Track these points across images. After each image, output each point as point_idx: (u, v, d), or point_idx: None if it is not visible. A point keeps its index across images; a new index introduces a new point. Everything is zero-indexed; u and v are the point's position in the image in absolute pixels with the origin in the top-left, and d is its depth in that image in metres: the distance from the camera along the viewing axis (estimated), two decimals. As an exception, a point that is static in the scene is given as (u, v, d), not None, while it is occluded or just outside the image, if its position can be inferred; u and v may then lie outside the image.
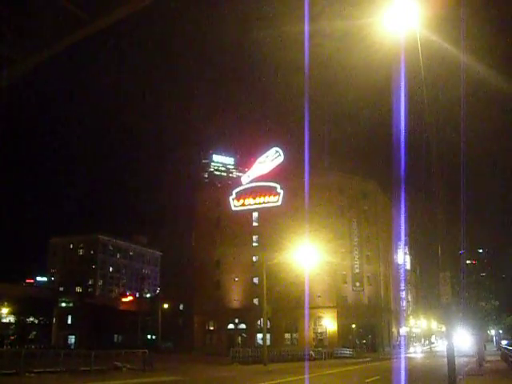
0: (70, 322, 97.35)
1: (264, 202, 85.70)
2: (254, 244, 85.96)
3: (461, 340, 79.01)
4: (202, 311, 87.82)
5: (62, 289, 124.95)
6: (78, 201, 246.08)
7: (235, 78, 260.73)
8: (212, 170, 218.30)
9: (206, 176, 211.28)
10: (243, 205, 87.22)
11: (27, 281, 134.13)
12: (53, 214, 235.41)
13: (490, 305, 38.52)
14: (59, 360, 29.77)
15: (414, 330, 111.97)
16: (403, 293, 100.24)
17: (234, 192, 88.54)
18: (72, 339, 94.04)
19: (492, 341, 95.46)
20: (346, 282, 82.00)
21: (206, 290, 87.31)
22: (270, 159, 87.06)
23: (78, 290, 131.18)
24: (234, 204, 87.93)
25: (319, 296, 78.74)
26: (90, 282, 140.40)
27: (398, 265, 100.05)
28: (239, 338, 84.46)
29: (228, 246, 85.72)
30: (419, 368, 42.10)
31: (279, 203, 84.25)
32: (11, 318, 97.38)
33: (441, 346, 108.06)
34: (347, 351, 69.73)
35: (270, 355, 47.30)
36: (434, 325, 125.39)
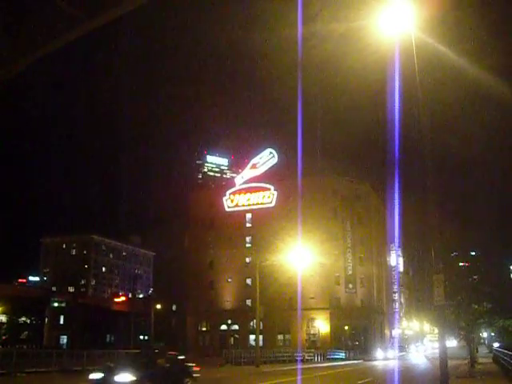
0: (62, 321, 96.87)
1: (258, 203, 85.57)
2: (248, 245, 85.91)
3: (453, 342, 79.07)
4: (194, 312, 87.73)
5: (54, 289, 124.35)
6: (71, 200, 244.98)
7: (229, 80, 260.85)
8: (206, 170, 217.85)
9: (200, 177, 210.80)
10: (237, 205, 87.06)
11: (19, 281, 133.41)
12: (46, 214, 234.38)
13: (482, 307, 38.50)
14: (51, 360, 29.64)
15: (406, 331, 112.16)
16: (396, 295, 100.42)
17: (228, 193, 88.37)
18: (64, 339, 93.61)
19: (484, 343, 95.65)
20: (338, 284, 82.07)
21: (199, 291, 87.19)
22: (264, 160, 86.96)
23: (71, 289, 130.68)
24: (228, 205, 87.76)
25: (312, 297, 78.72)
26: (83, 282, 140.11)
27: (391, 267, 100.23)
28: (232, 339, 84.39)
29: (221, 246, 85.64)
30: (411, 370, 42.20)
31: (273, 204, 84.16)
32: (3, 318, 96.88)
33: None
34: (340, 353, 69.81)
35: (262, 357, 47.32)
36: (427, 327, 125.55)
